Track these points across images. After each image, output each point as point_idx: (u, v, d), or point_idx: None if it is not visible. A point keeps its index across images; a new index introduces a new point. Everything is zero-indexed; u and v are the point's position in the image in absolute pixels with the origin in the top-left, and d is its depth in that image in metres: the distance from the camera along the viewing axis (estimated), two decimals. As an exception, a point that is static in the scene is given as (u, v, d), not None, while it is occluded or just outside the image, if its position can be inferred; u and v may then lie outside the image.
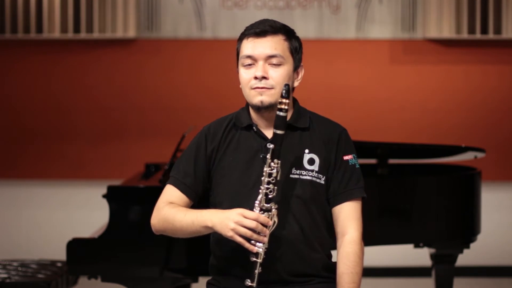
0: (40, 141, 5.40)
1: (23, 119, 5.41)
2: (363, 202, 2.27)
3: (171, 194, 2.28)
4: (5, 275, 3.35)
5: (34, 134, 5.40)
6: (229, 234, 2.07)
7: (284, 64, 2.20)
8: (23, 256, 4.77)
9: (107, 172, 5.33)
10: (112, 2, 5.28)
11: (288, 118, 2.25)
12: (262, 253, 2.06)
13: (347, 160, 2.25)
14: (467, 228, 3.52)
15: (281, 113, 2.07)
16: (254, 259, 2.07)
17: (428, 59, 5.40)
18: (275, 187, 2.08)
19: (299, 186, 2.18)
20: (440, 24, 5.30)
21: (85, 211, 5.31)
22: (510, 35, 5.29)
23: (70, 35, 5.26)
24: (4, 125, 5.42)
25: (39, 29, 5.26)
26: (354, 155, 2.27)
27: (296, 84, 2.27)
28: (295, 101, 2.30)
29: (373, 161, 3.93)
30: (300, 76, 2.28)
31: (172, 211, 2.21)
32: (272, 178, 2.08)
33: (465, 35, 5.30)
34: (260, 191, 2.09)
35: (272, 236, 2.09)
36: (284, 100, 2.06)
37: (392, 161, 4.00)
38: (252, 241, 2.06)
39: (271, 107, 2.19)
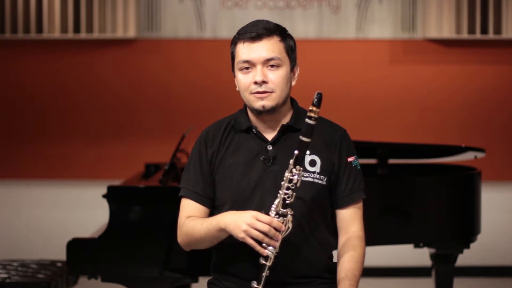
0: (40, 141, 5.40)
1: (23, 119, 5.41)
2: (363, 203, 2.28)
3: (187, 207, 2.27)
4: (5, 275, 3.35)
5: (34, 134, 5.40)
6: (241, 235, 2.06)
7: (282, 66, 2.20)
8: (23, 256, 4.77)
9: (107, 172, 5.33)
10: (112, 2, 5.28)
11: (288, 119, 2.25)
12: (272, 257, 2.06)
13: (351, 162, 2.26)
14: (467, 228, 3.52)
15: (310, 121, 2.04)
16: (264, 262, 2.06)
17: (428, 59, 5.40)
18: (294, 193, 2.07)
19: (301, 188, 2.17)
20: (440, 24, 5.30)
21: (85, 211, 5.31)
22: (510, 35, 5.29)
23: (70, 35, 5.26)
24: (4, 125, 5.42)
25: (39, 29, 5.26)
26: (355, 156, 2.28)
27: (293, 83, 2.27)
28: (293, 101, 2.30)
29: (373, 161, 3.93)
30: (296, 75, 2.28)
31: (191, 224, 2.21)
32: (292, 184, 2.07)
33: (465, 35, 5.30)
34: (278, 195, 2.08)
35: None
36: (314, 109, 2.03)
37: (392, 161, 4.00)
38: (264, 244, 2.05)
39: (273, 110, 2.20)
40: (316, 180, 2.21)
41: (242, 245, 2.09)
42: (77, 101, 5.40)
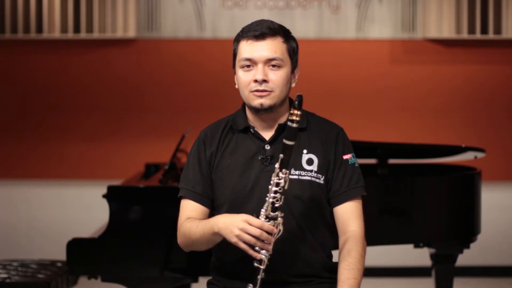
0: (40, 141, 5.40)
1: (23, 119, 5.41)
2: (363, 201, 2.27)
3: (187, 208, 2.27)
4: (5, 275, 3.35)
5: (34, 134, 5.40)
6: (233, 240, 2.06)
7: (283, 67, 2.21)
8: (23, 256, 4.77)
9: (107, 172, 5.33)
10: (112, 2, 5.28)
11: (285, 119, 2.25)
12: (266, 260, 2.06)
13: (347, 160, 2.26)
14: (467, 228, 3.52)
15: (293, 124, 2.03)
16: (258, 265, 2.07)
17: (428, 59, 5.40)
18: (282, 196, 2.07)
19: (298, 187, 2.18)
20: (440, 24, 5.30)
21: (85, 211, 5.31)
22: (510, 35, 5.29)
23: (70, 35, 5.26)
24: (4, 125, 5.42)
25: (39, 29, 5.26)
26: (353, 154, 2.28)
27: (293, 85, 2.27)
28: (291, 102, 2.30)
29: (373, 161, 3.93)
30: (296, 77, 2.29)
31: (188, 225, 2.21)
32: (279, 187, 2.07)
33: (465, 35, 5.30)
34: (267, 199, 2.08)
35: None
36: (296, 112, 2.02)
37: (392, 161, 4.00)
38: (257, 248, 2.05)
39: (270, 109, 2.20)
40: (313, 179, 2.21)
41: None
42: (77, 101, 5.40)
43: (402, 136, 5.27)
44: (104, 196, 3.17)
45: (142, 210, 3.13)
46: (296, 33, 2.29)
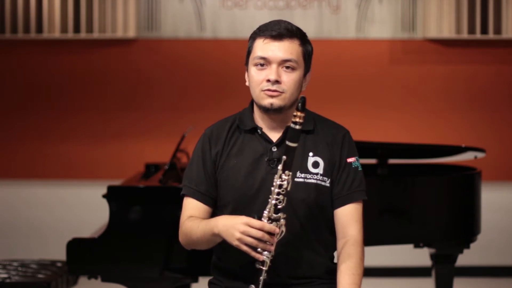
0: (40, 141, 5.40)
1: (23, 119, 5.41)
2: (363, 202, 2.27)
3: (189, 206, 2.26)
4: (5, 275, 3.35)
5: (34, 134, 5.40)
6: (235, 243, 2.06)
7: (297, 69, 2.20)
8: (23, 256, 4.77)
9: (107, 172, 5.33)
10: (112, 2, 5.28)
11: None
12: (268, 261, 2.05)
13: (350, 163, 2.25)
14: (467, 228, 3.51)
15: (296, 126, 2.03)
16: (260, 266, 2.06)
17: (428, 59, 5.40)
18: (285, 198, 2.06)
19: (304, 190, 2.17)
20: (440, 24, 5.30)
21: (85, 211, 5.31)
22: (510, 35, 5.29)
23: (70, 35, 5.26)
24: (4, 125, 5.42)
25: (39, 29, 5.26)
26: (357, 157, 2.27)
27: (303, 88, 2.26)
28: None
29: (373, 161, 3.93)
30: (307, 81, 2.28)
31: (189, 224, 2.21)
32: (282, 189, 2.06)
33: (465, 35, 5.30)
34: (269, 200, 2.07)
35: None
36: (299, 113, 2.02)
37: (392, 161, 4.00)
38: (259, 250, 2.05)
39: (279, 110, 2.19)
40: (319, 182, 2.21)
41: None
42: (77, 101, 5.40)
43: (402, 136, 5.27)
44: (104, 196, 3.17)
45: (142, 210, 3.13)
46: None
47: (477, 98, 5.41)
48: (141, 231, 3.10)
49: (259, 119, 2.26)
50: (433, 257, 3.57)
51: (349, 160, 2.25)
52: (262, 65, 2.19)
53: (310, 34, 5.32)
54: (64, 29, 5.27)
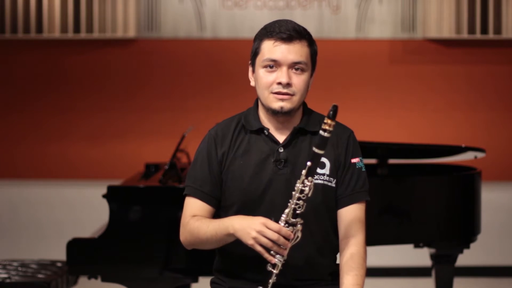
0: (40, 141, 5.40)
1: (23, 118, 5.41)
2: (366, 205, 2.27)
3: (192, 206, 2.24)
4: (5, 275, 3.35)
5: (34, 134, 5.40)
6: (250, 242, 2.05)
7: (306, 71, 2.21)
8: (23, 256, 4.77)
9: (107, 172, 5.33)
10: (112, 2, 5.28)
11: (299, 121, 2.24)
12: (280, 265, 2.05)
13: (354, 163, 2.25)
14: (467, 228, 3.51)
15: (325, 134, 2.02)
16: (271, 269, 2.06)
17: (428, 59, 5.40)
18: (304, 204, 2.06)
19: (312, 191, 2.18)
20: (440, 24, 5.30)
21: (85, 211, 5.31)
22: (510, 35, 5.29)
23: (70, 35, 5.26)
24: (4, 124, 5.42)
25: (39, 29, 5.26)
26: (360, 158, 2.28)
27: (309, 88, 2.26)
28: (305, 104, 2.29)
29: (373, 161, 3.93)
30: (312, 80, 2.28)
31: (196, 224, 2.19)
32: (303, 195, 2.05)
33: (465, 35, 5.30)
34: (289, 204, 2.06)
35: None
36: (329, 122, 2.01)
37: (392, 161, 3.99)
38: (272, 252, 2.05)
39: (289, 112, 2.19)
40: (326, 182, 2.21)
41: (247, 247, 2.08)
42: (77, 101, 5.40)
43: (402, 136, 5.27)
44: (104, 196, 3.17)
45: (142, 210, 3.13)
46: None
47: (477, 98, 5.41)
48: (141, 231, 3.10)
49: (266, 120, 2.25)
50: (433, 257, 3.57)
51: (354, 160, 2.25)
52: (271, 67, 2.18)
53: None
54: (64, 29, 5.26)
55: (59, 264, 3.56)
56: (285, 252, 2.05)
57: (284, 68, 2.17)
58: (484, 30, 5.30)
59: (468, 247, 3.53)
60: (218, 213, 2.26)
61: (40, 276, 3.36)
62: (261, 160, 2.21)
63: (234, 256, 2.22)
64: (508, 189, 5.46)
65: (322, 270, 2.23)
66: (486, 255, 5.38)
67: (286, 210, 2.06)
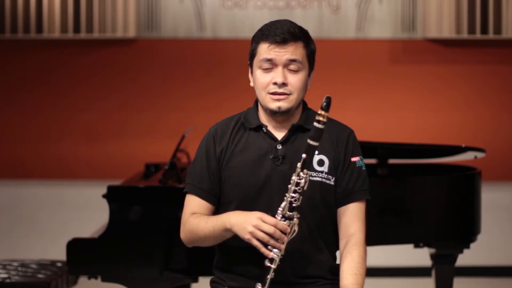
0: (40, 141, 5.40)
1: (23, 119, 5.41)
2: (366, 204, 2.27)
3: (192, 204, 2.27)
4: (5, 275, 3.35)
5: (34, 134, 5.40)
6: (247, 236, 2.07)
7: (302, 70, 2.22)
8: (23, 256, 4.77)
9: (107, 172, 5.33)
10: (112, 2, 5.28)
11: (298, 119, 2.26)
12: (277, 260, 2.06)
13: (354, 162, 2.26)
14: (467, 228, 3.51)
15: (319, 125, 2.04)
16: (269, 264, 2.07)
17: (428, 59, 5.40)
18: (300, 197, 2.07)
19: (309, 188, 2.16)
20: (440, 24, 5.30)
21: (85, 211, 5.31)
22: (510, 35, 5.28)
23: (70, 35, 5.26)
24: (4, 125, 5.42)
25: (39, 29, 5.26)
26: (361, 157, 2.29)
27: (308, 87, 2.28)
28: (304, 103, 2.31)
29: (373, 161, 3.93)
30: (311, 78, 2.30)
31: (195, 221, 2.21)
32: (299, 187, 2.07)
33: (465, 35, 5.30)
34: (285, 198, 2.08)
35: None
36: (323, 113, 2.04)
37: (392, 161, 3.99)
38: (269, 247, 2.06)
39: (287, 112, 2.21)
40: (324, 180, 2.22)
41: (247, 244, 2.09)
42: (77, 100, 5.40)
43: (402, 136, 5.27)
44: (104, 196, 3.17)
45: (142, 210, 3.13)
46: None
47: (477, 98, 5.41)
48: (141, 231, 3.10)
49: (264, 118, 2.27)
50: (433, 257, 3.57)
51: (353, 159, 2.26)
52: (267, 68, 2.20)
53: (310, 34, 5.33)
54: (64, 29, 5.26)
55: (59, 264, 3.56)
56: (282, 246, 2.06)
57: (280, 68, 2.19)
58: (484, 30, 5.30)
59: (468, 247, 3.53)
60: (218, 210, 2.28)
61: (40, 276, 3.36)
62: (260, 157, 2.23)
63: (234, 253, 2.23)
64: (508, 189, 5.46)
65: (322, 268, 2.24)
66: (486, 255, 5.38)
67: (283, 204, 2.08)
